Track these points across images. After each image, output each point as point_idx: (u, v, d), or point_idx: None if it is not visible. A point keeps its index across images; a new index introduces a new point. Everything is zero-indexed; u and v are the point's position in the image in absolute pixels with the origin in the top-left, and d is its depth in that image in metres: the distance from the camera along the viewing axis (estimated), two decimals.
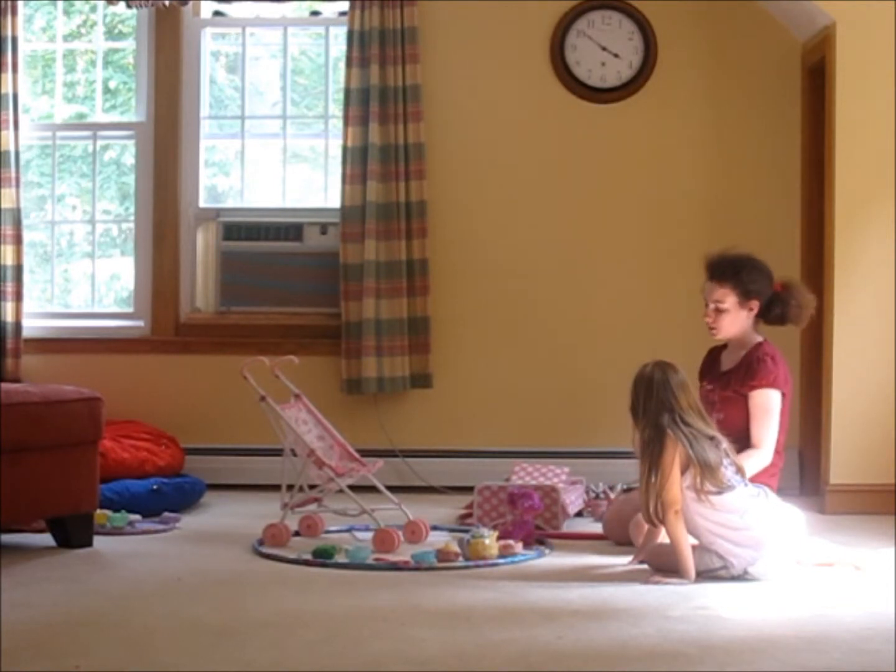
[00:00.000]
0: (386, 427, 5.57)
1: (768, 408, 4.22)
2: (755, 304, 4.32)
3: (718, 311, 4.32)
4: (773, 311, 4.34)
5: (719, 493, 3.67)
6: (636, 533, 4.04)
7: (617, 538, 4.25)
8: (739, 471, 3.74)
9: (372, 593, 3.55)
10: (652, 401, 3.73)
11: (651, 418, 3.72)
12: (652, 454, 3.70)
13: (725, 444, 3.75)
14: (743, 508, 3.68)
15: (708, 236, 5.62)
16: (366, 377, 5.50)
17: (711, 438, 3.72)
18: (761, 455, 4.19)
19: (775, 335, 5.55)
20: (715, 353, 4.48)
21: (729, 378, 4.32)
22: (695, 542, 3.73)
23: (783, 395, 4.25)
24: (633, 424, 3.81)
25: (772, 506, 3.75)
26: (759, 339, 4.37)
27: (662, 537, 3.84)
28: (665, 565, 3.74)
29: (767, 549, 3.67)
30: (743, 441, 4.17)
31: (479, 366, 5.67)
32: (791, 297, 4.35)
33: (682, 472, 3.68)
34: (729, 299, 4.31)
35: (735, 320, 4.32)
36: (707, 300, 4.35)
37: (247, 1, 5.87)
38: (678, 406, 3.72)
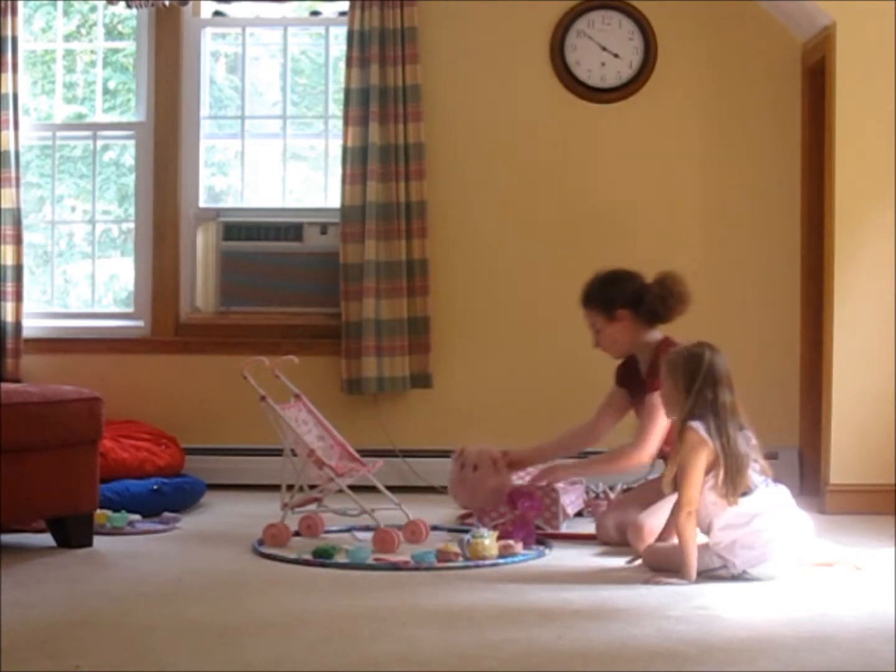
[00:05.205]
0: (386, 427, 5.58)
1: (655, 409, 4.19)
2: (623, 313, 4.34)
3: (598, 333, 4.40)
4: (640, 309, 4.34)
5: (746, 494, 3.66)
6: (634, 537, 4.05)
7: (609, 540, 4.27)
8: (764, 471, 3.73)
9: (372, 593, 3.55)
10: (699, 381, 3.69)
11: (698, 403, 3.68)
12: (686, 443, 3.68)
13: (754, 440, 3.73)
14: (757, 512, 3.66)
15: (708, 236, 5.64)
16: (366, 377, 5.50)
17: (742, 429, 3.71)
18: (637, 451, 4.24)
19: (776, 333, 5.58)
20: (631, 362, 4.49)
21: (645, 384, 4.35)
22: (702, 540, 3.71)
23: None
24: (665, 400, 3.79)
25: (787, 511, 3.73)
26: (658, 338, 4.37)
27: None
28: (664, 565, 3.73)
29: (774, 554, 3.65)
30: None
31: (479, 366, 5.68)
32: (657, 289, 4.33)
33: (708, 472, 3.66)
34: (597, 320, 4.38)
35: (614, 336, 4.38)
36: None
37: (247, 1, 5.87)
38: (726, 394, 3.69)
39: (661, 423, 4.20)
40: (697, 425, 3.66)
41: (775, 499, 3.71)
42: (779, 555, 3.66)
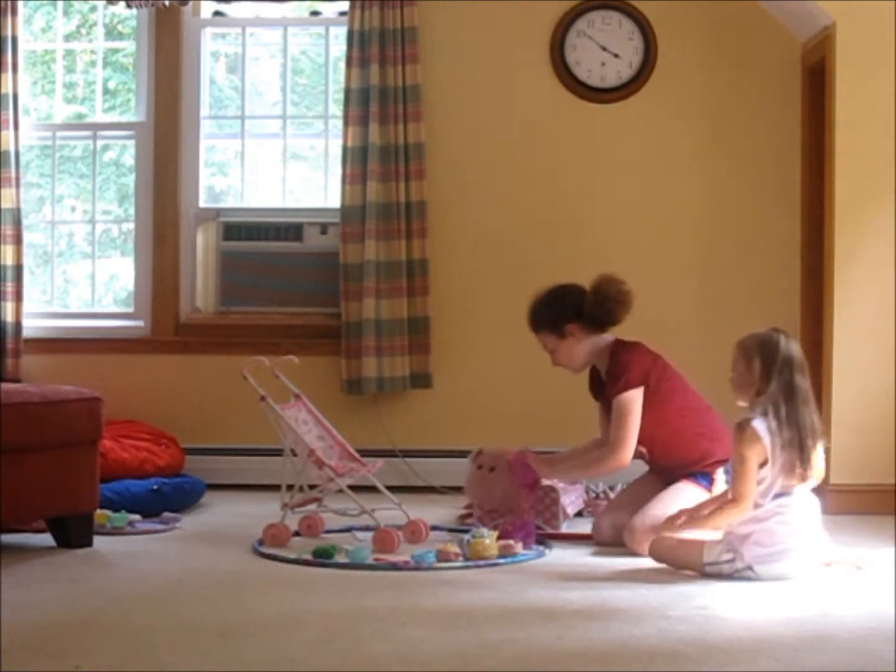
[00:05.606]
0: (386, 427, 5.58)
1: (620, 412, 4.20)
2: (572, 328, 4.32)
3: (553, 353, 4.38)
4: (583, 320, 4.31)
5: (782, 495, 3.66)
6: (630, 539, 4.05)
7: (605, 541, 4.27)
8: (817, 476, 3.73)
9: (372, 593, 3.55)
10: (776, 366, 3.66)
11: (776, 388, 3.65)
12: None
13: (811, 438, 3.72)
14: (780, 513, 3.65)
15: (708, 236, 5.64)
16: (366, 377, 5.50)
17: (812, 420, 3.69)
18: (615, 456, 4.20)
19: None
20: (595, 375, 4.47)
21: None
22: (718, 536, 3.72)
23: (647, 385, 4.22)
24: (736, 383, 3.76)
25: (809, 521, 3.72)
26: (609, 341, 4.35)
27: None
28: (668, 558, 3.74)
29: (783, 559, 3.65)
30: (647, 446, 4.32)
31: (479, 366, 5.67)
32: (592, 297, 4.30)
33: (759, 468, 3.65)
34: (549, 340, 4.36)
35: (569, 353, 4.36)
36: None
37: (247, 1, 5.87)
38: (801, 380, 3.68)
39: (633, 422, 4.19)
40: (758, 423, 3.65)
41: (803, 505, 3.70)
42: (787, 560, 3.65)
